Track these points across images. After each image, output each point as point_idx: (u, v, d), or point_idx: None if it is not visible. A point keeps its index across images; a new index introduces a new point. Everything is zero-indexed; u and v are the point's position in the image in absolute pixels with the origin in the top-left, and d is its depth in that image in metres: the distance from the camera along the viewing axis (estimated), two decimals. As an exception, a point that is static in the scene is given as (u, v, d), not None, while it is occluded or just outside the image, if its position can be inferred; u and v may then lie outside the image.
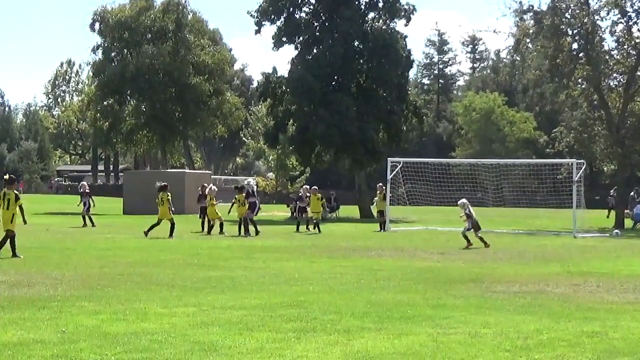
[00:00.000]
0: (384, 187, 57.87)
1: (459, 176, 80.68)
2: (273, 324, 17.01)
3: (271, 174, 69.81)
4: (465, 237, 43.50)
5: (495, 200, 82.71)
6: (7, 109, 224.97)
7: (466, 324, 17.36)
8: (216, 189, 55.08)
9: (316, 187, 57.15)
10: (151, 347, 14.45)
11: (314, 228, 54.39)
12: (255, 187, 55.22)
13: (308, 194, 57.35)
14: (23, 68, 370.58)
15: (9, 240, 32.38)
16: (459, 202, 45.26)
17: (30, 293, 21.17)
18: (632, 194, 71.69)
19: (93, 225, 57.60)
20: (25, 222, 34.58)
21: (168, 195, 48.90)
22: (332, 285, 24.19)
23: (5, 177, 35.77)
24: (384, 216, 58.35)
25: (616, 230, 61.53)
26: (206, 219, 54.07)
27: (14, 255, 32.00)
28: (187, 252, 36.06)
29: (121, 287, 22.89)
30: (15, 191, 34.33)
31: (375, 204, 59.77)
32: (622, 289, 24.42)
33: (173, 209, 49.50)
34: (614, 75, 75.78)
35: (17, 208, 33.47)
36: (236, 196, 52.78)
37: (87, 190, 61.62)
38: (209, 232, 51.77)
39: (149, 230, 46.64)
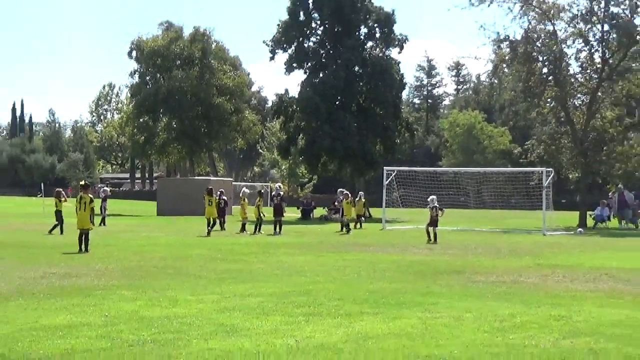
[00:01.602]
0: (349, 195, 56.88)
1: (445, 182, 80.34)
2: (285, 309, 17.04)
3: (279, 184, 69.75)
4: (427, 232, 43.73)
5: (476, 203, 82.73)
6: (57, 125, 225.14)
7: (451, 309, 17.37)
8: (248, 191, 55.17)
9: (348, 193, 56.62)
10: (181, 328, 14.49)
11: (345, 228, 53.67)
12: (281, 192, 55.24)
13: (341, 198, 56.95)
14: (71, 90, 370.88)
15: (84, 235, 32.61)
16: (429, 198, 45.33)
17: (78, 283, 21.20)
18: (611, 196, 71.95)
19: (100, 225, 55.73)
20: (93, 223, 34.78)
21: (214, 197, 49.51)
22: (336, 276, 24.21)
23: (81, 183, 36.42)
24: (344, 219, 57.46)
25: (579, 229, 61.67)
26: (224, 219, 54.38)
27: (87, 250, 32.23)
28: (211, 248, 36.01)
29: (155, 277, 22.91)
30: (90, 195, 34.74)
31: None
32: (585, 279, 24.41)
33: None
34: (578, 95, 75.87)
35: (91, 209, 34.01)
36: (258, 200, 53.14)
37: (108, 194, 61.86)
38: (241, 230, 51.18)
39: (208, 233, 46.91)
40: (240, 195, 54.65)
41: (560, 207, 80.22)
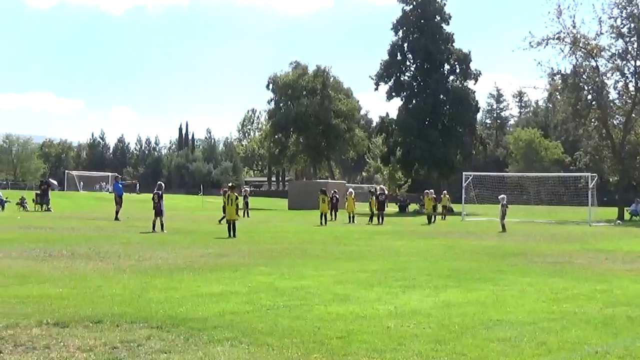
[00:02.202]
0: (428, 193, 56.12)
1: (510, 184, 79.67)
2: (386, 282, 16.93)
3: (382, 185, 70.04)
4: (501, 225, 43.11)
5: (535, 200, 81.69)
6: (213, 140, 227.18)
7: (516, 283, 17.13)
8: (353, 192, 55.07)
9: (431, 191, 56.15)
10: (307, 297, 14.46)
11: (428, 220, 53.02)
12: (385, 191, 55.14)
13: (423, 196, 56.73)
14: (224, 114, 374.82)
15: (232, 224, 32.92)
16: (499, 197, 44.77)
17: (229, 261, 21.31)
18: None
19: (248, 216, 56.02)
20: (238, 215, 35.11)
21: (326, 196, 49.97)
22: (426, 257, 24.02)
23: (229, 184, 37.44)
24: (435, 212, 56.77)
25: (618, 221, 60.82)
26: (336, 213, 54.64)
27: (234, 236, 32.32)
28: (329, 235, 36.02)
29: (287, 257, 22.94)
30: (236, 193, 35.33)
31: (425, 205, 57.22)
32: (623, 261, 23.94)
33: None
34: (616, 116, 75.17)
35: (237, 205, 34.54)
36: (371, 198, 53.37)
37: (249, 194, 62.08)
38: (351, 221, 51.27)
39: (325, 222, 47.28)
40: (347, 194, 54.71)
41: (602, 204, 78.73)
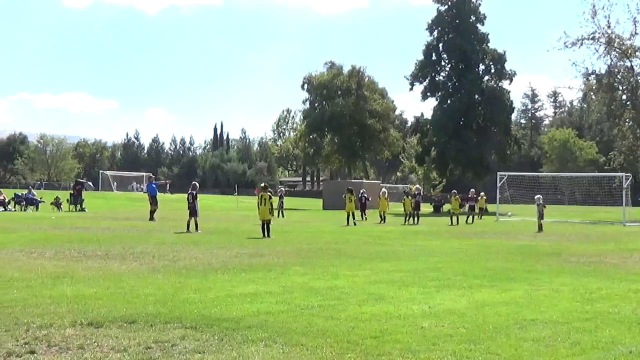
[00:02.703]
0: (455, 193, 55.30)
1: (545, 184, 79.38)
2: (420, 282, 16.87)
3: (417, 185, 69.55)
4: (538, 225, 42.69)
5: (570, 200, 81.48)
6: (247, 140, 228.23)
7: (550, 283, 17.02)
8: (386, 191, 54.99)
9: (455, 191, 55.70)
10: (341, 296, 14.44)
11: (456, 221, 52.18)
12: (421, 191, 55.03)
13: (449, 196, 56.11)
14: (259, 114, 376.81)
15: (266, 224, 32.78)
16: (535, 197, 44.43)
17: (263, 261, 21.32)
18: None
19: (283, 215, 56.32)
20: (272, 214, 34.76)
21: (353, 195, 48.61)
22: (460, 257, 23.93)
23: (261, 185, 36.92)
24: (473, 211, 56.52)
25: (653, 221, 60.44)
26: (366, 212, 54.53)
27: (269, 236, 32.01)
28: (364, 234, 35.97)
29: (321, 257, 22.92)
30: (269, 193, 34.99)
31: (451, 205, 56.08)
32: (658, 261, 23.81)
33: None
34: (651, 116, 74.33)
35: (270, 204, 34.21)
36: (405, 198, 53.05)
37: (284, 193, 62.14)
38: (383, 221, 50.84)
39: (353, 223, 46.27)
40: (380, 194, 54.56)
41: (636, 204, 78.26)
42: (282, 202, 59.25)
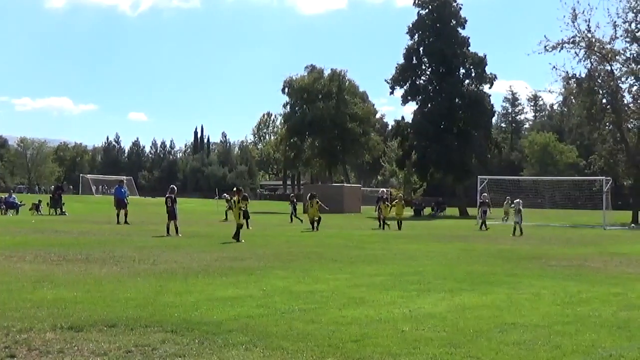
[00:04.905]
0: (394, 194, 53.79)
1: (525, 188, 79.62)
2: (401, 286, 16.92)
3: (382, 189, 69.55)
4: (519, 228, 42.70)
5: (550, 204, 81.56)
6: (228, 144, 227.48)
7: (531, 287, 17.10)
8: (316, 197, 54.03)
9: (401, 195, 53.64)
10: (322, 300, 14.46)
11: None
12: (384, 193, 54.23)
13: (401, 201, 54.36)
14: (239, 117, 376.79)
15: (237, 228, 32.65)
16: (515, 201, 44.56)
17: (243, 265, 21.32)
18: None
19: (295, 220, 55.82)
20: (241, 218, 34.46)
21: (317, 201, 47.17)
22: (441, 260, 24.00)
23: (234, 189, 36.85)
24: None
25: (632, 224, 60.77)
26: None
27: (239, 240, 31.67)
28: (344, 239, 35.95)
29: (302, 261, 22.94)
30: (239, 197, 34.61)
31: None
32: (638, 264, 23.95)
33: (327, 208, 49.85)
34: (631, 120, 74.66)
35: (239, 209, 33.89)
36: (382, 204, 51.08)
37: (294, 198, 61.15)
38: (383, 227, 48.88)
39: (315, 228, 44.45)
40: (397, 200, 52.45)
41: (616, 207, 78.46)
42: (295, 207, 58.16)
